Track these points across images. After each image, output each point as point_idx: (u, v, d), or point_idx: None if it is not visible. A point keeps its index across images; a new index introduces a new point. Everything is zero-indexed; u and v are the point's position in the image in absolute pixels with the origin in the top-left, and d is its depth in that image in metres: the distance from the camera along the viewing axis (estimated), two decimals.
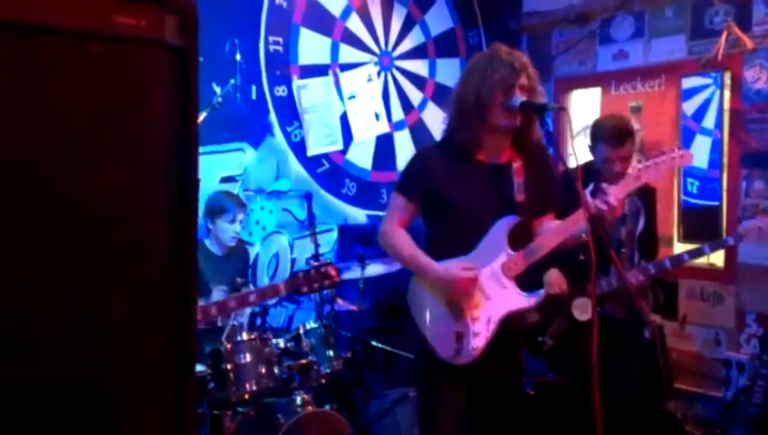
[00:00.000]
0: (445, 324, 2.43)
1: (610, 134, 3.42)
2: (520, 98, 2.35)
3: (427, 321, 2.46)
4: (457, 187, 2.45)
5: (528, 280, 2.51)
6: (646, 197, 3.66)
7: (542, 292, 2.47)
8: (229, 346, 3.13)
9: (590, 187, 3.26)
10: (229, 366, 3.10)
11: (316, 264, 2.96)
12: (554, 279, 3.41)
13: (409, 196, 2.53)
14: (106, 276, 0.90)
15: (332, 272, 2.93)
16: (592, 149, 3.53)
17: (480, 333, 2.41)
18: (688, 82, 4.54)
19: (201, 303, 2.92)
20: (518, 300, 2.44)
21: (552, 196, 2.59)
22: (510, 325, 2.46)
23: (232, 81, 3.76)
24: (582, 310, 3.37)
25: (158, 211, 0.96)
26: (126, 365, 0.92)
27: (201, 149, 4.35)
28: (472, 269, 2.39)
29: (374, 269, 3.88)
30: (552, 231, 2.45)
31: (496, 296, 2.43)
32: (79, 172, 0.88)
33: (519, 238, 2.45)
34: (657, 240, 3.73)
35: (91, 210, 0.89)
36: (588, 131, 3.66)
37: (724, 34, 4.18)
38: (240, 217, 3.68)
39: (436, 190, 2.46)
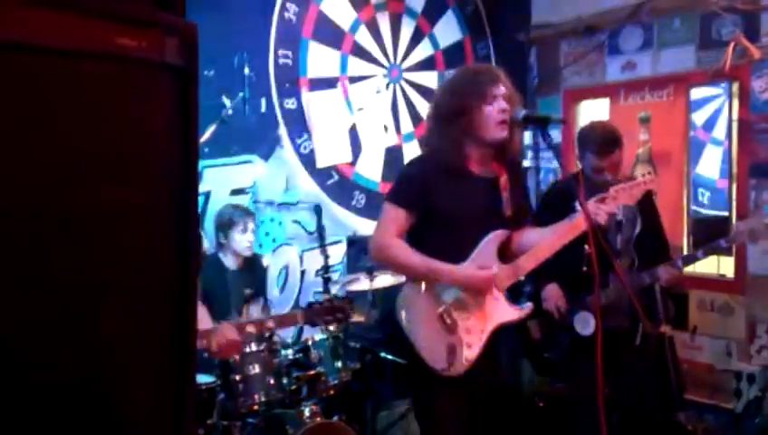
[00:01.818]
0: (438, 336, 2.45)
1: (598, 143, 3.40)
2: (523, 111, 2.38)
3: (421, 333, 2.47)
4: (453, 199, 2.48)
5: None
6: (641, 200, 3.63)
7: (529, 304, 2.53)
8: (238, 357, 3.15)
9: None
10: (238, 377, 3.12)
11: (332, 300, 3.12)
12: (551, 295, 3.40)
13: (409, 208, 2.51)
14: (105, 288, 0.92)
15: (347, 308, 3.09)
16: (580, 157, 3.51)
17: (473, 344, 2.45)
18: (698, 93, 4.54)
19: (216, 324, 2.96)
20: (509, 312, 2.52)
21: (527, 209, 2.70)
22: (498, 335, 2.52)
23: (241, 94, 3.80)
24: (584, 324, 3.30)
25: (160, 227, 0.98)
26: (122, 375, 0.94)
27: (211, 162, 4.41)
28: (486, 269, 2.43)
29: (383, 281, 3.90)
30: (542, 247, 2.51)
31: (489, 308, 2.48)
32: (84, 187, 0.90)
33: (504, 251, 2.53)
34: (662, 243, 3.66)
35: (94, 225, 0.91)
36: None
37: (732, 45, 4.19)
38: (251, 226, 3.71)
39: (434, 203, 2.48)
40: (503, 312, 2.50)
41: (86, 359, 0.91)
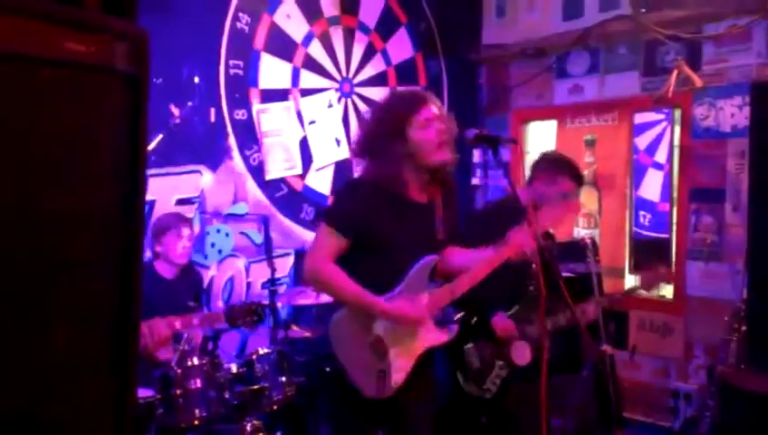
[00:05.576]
0: (369, 363, 2.46)
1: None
2: (473, 130, 2.39)
3: (351, 359, 2.47)
4: (390, 226, 2.48)
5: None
6: None
7: (454, 327, 2.57)
8: (179, 371, 3.07)
9: None
10: (179, 391, 3.05)
11: (251, 301, 3.32)
12: (504, 325, 3.21)
13: (343, 232, 2.48)
14: (50, 304, 0.89)
15: (261, 311, 3.29)
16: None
17: (401, 368, 2.47)
18: (641, 118, 4.67)
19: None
20: (436, 336, 2.54)
21: (456, 228, 2.69)
22: (425, 358, 2.55)
23: (189, 103, 3.73)
24: (520, 354, 3.15)
25: (105, 237, 0.96)
26: (66, 394, 0.91)
27: (157, 171, 4.31)
28: (416, 301, 2.45)
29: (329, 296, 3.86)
30: (471, 272, 2.53)
31: (419, 333, 2.50)
32: (29, 195, 0.87)
33: (434, 274, 2.55)
34: None
35: (38, 235, 0.88)
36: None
37: (675, 73, 4.32)
38: (185, 232, 3.64)
39: (370, 228, 2.47)
40: (430, 336, 2.53)
41: (37, 373, 0.88)
